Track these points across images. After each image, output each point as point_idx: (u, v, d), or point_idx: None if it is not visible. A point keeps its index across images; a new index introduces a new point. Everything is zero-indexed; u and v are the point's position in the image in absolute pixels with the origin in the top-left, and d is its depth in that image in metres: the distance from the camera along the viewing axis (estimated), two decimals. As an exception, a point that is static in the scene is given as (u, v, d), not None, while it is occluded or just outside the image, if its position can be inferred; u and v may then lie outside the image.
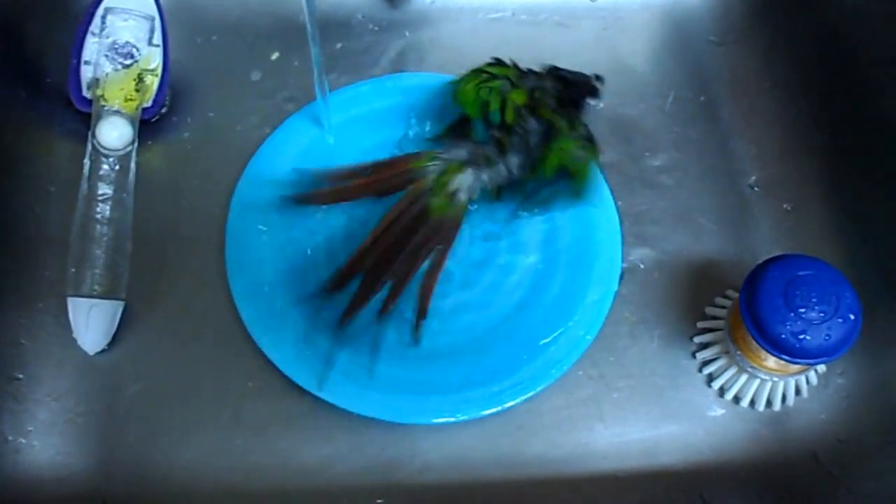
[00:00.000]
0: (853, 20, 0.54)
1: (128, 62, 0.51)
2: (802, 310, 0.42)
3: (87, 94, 0.51)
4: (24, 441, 0.46)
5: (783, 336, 0.42)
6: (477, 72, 0.52)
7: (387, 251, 0.48)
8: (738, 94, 0.58)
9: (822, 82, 0.56)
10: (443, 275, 0.51)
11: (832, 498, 0.47)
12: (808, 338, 0.42)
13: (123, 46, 0.51)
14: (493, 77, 0.52)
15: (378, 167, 0.51)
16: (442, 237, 0.49)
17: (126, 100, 0.51)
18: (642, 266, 0.52)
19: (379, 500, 0.45)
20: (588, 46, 0.59)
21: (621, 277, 0.51)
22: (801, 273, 0.43)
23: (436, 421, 0.47)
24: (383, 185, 0.50)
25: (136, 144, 0.51)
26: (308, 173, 0.51)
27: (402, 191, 0.50)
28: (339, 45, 0.58)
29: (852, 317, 0.42)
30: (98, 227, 0.48)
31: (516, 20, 0.60)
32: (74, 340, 0.47)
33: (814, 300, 0.42)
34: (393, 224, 0.49)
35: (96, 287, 0.48)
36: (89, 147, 0.50)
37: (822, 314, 0.42)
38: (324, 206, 0.52)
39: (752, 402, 0.48)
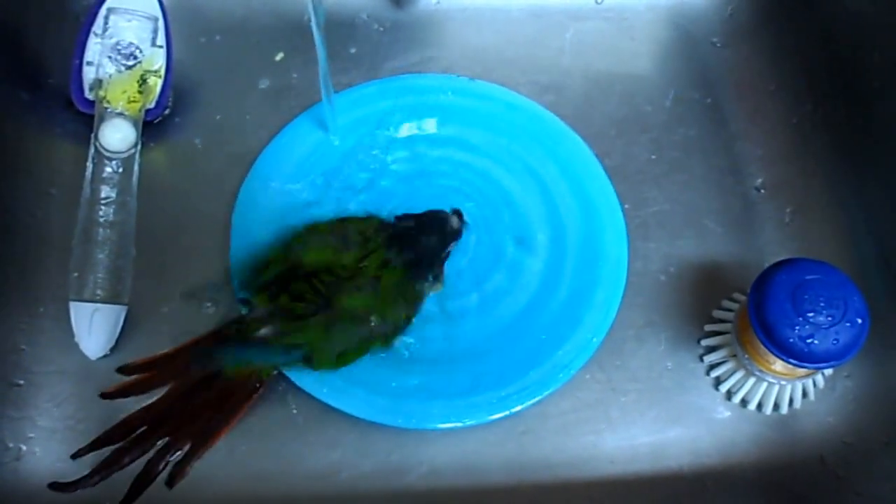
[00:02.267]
0: (858, 23, 0.54)
1: (131, 63, 0.51)
2: (811, 314, 0.42)
3: (89, 95, 0.51)
4: (24, 448, 0.46)
5: (791, 340, 0.42)
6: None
7: (172, 408, 0.43)
8: (743, 96, 0.57)
9: (828, 85, 0.56)
10: (449, 278, 0.51)
11: (839, 500, 0.47)
12: (816, 342, 0.42)
13: (126, 47, 0.51)
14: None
15: (166, 359, 0.44)
16: (234, 402, 0.44)
17: (129, 101, 0.50)
18: (649, 269, 0.52)
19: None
20: (593, 47, 0.59)
21: (627, 281, 0.51)
22: (809, 277, 0.43)
23: (442, 426, 0.46)
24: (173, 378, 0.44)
25: (139, 147, 0.50)
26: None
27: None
28: (343, 46, 0.58)
29: (860, 321, 0.42)
30: (101, 230, 0.48)
31: (521, 21, 0.60)
32: (76, 345, 0.47)
33: (822, 304, 0.42)
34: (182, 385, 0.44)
35: (99, 291, 0.47)
36: (92, 149, 0.49)
37: (830, 318, 0.42)
38: (328, 210, 0.52)
39: (760, 406, 0.48)
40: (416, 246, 0.47)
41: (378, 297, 0.45)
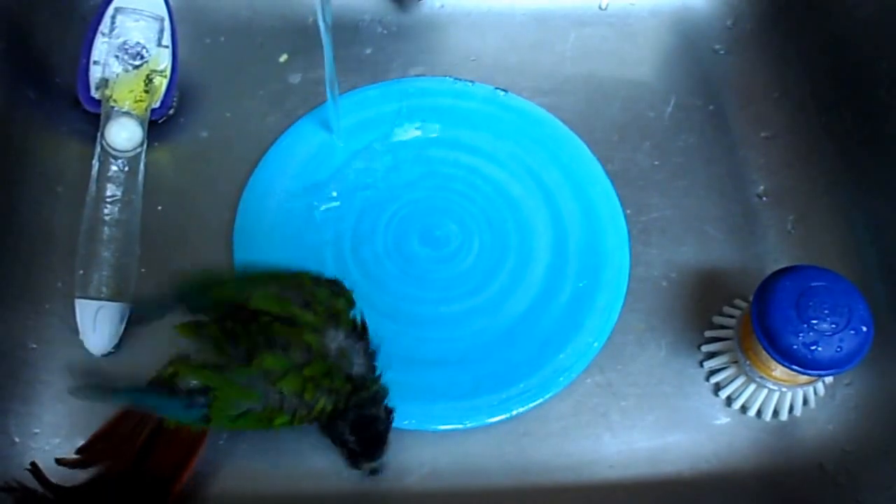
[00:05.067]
0: (862, 30, 0.54)
1: (137, 63, 0.51)
2: (815, 321, 0.42)
3: (95, 94, 0.51)
4: (30, 443, 0.46)
5: (795, 347, 0.42)
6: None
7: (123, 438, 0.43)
8: (746, 103, 0.58)
9: (831, 92, 0.56)
10: (451, 281, 0.51)
11: (838, 508, 0.47)
12: (819, 349, 0.42)
13: (133, 47, 0.51)
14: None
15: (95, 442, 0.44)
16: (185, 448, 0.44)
17: (135, 101, 0.51)
18: (650, 274, 0.52)
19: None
20: (596, 53, 0.59)
21: (629, 286, 0.51)
22: (813, 284, 0.43)
23: (443, 428, 0.47)
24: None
25: (145, 146, 0.50)
26: None
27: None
28: (347, 49, 0.58)
29: (864, 328, 0.42)
30: (106, 228, 0.48)
31: (525, 25, 0.60)
32: (81, 342, 0.47)
33: (826, 311, 0.42)
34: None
35: (104, 289, 0.47)
36: (98, 148, 0.49)
37: (833, 326, 0.42)
38: (332, 212, 0.52)
39: (759, 412, 0.48)
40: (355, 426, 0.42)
41: (301, 372, 0.40)
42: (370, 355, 0.43)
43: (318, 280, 0.43)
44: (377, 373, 0.43)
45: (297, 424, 0.41)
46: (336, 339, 0.41)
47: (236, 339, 0.41)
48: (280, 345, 0.40)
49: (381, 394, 0.43)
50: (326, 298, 0.42)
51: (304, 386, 0.40)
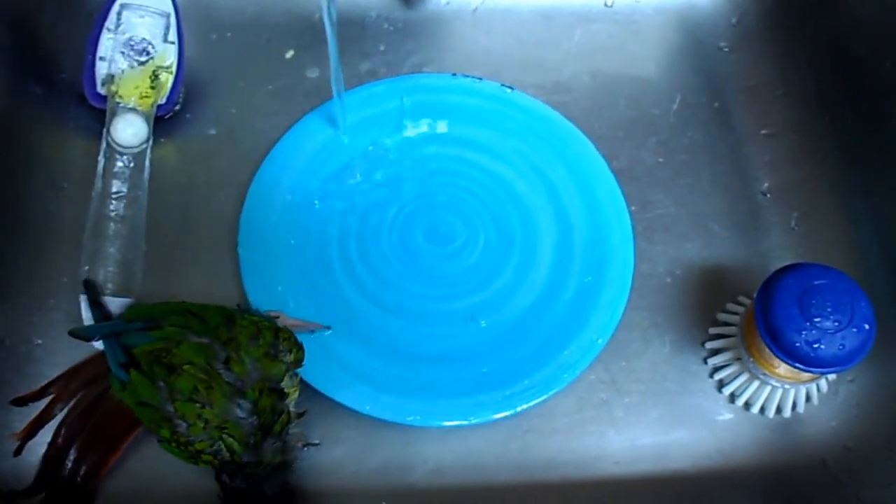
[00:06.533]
0: (866, 28, 0.54)
1: (143, 59, 0.51)
2: (817, 319, 0.42)
3: (101, 90, 0.51)
4: (35, 440, 0.46)
5: (798, 345, 0.42)
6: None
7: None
8: (751, 100, 0.58)
9: (835, 89, 0.56)
10: (455, 277, 0.51)
11: (840, 504, 0.47)
12: (822, 347, 0.42)
13: (139, 43, 0.51)
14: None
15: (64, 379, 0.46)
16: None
17: (141, 97, 0.51)
18: (654, 271, 0.52)
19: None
20: (602, 50, 0.59)
21: (633, 282, 0.51)
22: (816, 282, 0.43)
23: (447, 424, 0.47)
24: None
25: (150, 142, 0.50)
26: None
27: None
28: (352, 45, 0.58)
29: (867, 326, 0.42)
30: (112, 224, 0.48)
31: (530, 22, 0.60)
32: (87, 338, 0.47)
33: (829, 309, 0.42)
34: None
35: (109, 285, 0.47)
36: (104, 144, 0.50)
37: (836, 323, 0.42)
38: (337, 208, 0.52)
39: (763, 409, 0.48)
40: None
41: (201, 410, 0.41)
42: (279, 439, 0.42)
43: (258, 335, 0.42)
44: (284, 456, 0.43)
45: (174, 448, 0.42)
46: (236, 415, 0.41)
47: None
48: (190, 384, 0.41)
49: (276, 479, 0.43)
50: (258, 357, 0.42)
51: (194, 420, 0.41)
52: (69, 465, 0.44)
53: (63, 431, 0.45)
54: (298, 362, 0.44)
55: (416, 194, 0.53)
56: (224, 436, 0.41)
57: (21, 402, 0.45)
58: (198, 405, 0.41)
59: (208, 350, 0.41)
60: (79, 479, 0.45)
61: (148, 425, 0.43)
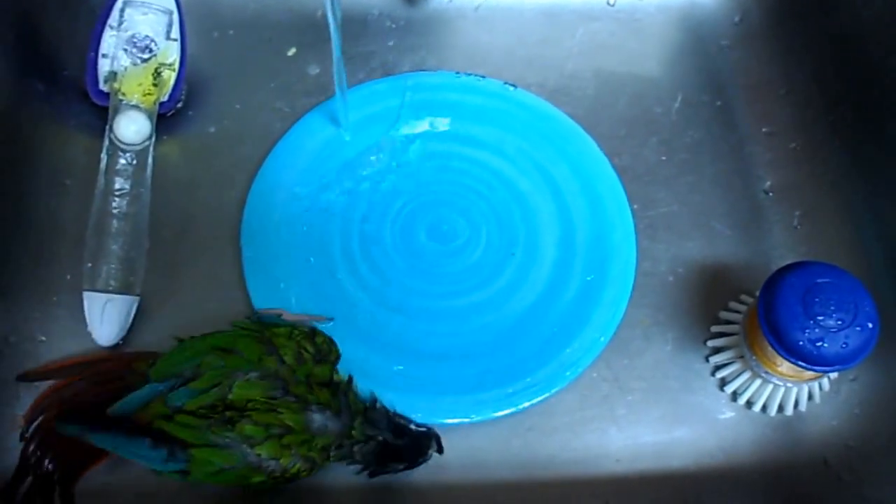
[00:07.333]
0: (869, 27, 0.54)
1: (146, 56, 0.51)
2: (820, 317, 0.42)
3: (104, 87, 0.51)
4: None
5: (801, 343, 0.42)
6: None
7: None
8: (753, 99, 0.58)
9: (838, 88, 0.56)
10: (458, 275, 0.51)
11: (842, 503, 0.47)
12: (825, 345, 0.42)
13: (142, 40, 0.51)
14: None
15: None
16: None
17: (144, 94, 0.51)
18: (657, 269, 0.52)
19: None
20: (604, 48, 0.59)
21: (635, 280, 0.51)
22: (820, 280, 0.43)
23: (449, 421, 0.47)
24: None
25: (153, 139, 0.50)
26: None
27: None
28: (355, 43, 0.58)
29: (870, 325, 0.42)
30: (114, 221, 0.48)
31: (533, 20, 0.60)
32: (89, 335, 0.47)
33: (832, 308, 0.42)
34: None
35: (112, 282, 0.47)
36: (106, 141, 0.50)
37: (840, 322, 0.42)
38: (339, 205, 0.52)
39: (764, 407, 0.48)
40: (384, 458, 0.44)
41: (280, 440, 0.41)
42: (351, 406, 0.43)
43: (300, 352, 0.43)
44: (363, 412, 0.44)
45: (271, 484, 0.42)
46: (315, 420, 0.42)
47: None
48: (261, 423, 0.41)
49: (375, 425, 0.44)
50: (309, 370, 0.43)
51: (281, 452, 0.41)
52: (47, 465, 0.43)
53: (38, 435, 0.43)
54: (339, 357, 0.45)
55: (419, 192, 0.53)
56: (313, 446, 0.42)
57: (27, 378, 0.45)
58: (278, 438, 0.41)
59: (264, 384, 0.41)
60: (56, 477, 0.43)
61: (234, 485, 0.42)
